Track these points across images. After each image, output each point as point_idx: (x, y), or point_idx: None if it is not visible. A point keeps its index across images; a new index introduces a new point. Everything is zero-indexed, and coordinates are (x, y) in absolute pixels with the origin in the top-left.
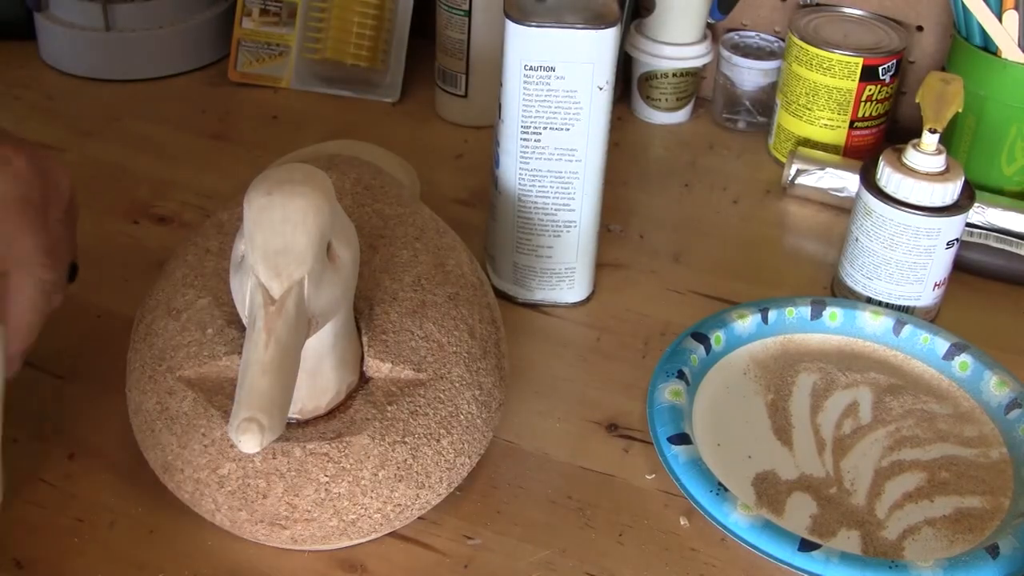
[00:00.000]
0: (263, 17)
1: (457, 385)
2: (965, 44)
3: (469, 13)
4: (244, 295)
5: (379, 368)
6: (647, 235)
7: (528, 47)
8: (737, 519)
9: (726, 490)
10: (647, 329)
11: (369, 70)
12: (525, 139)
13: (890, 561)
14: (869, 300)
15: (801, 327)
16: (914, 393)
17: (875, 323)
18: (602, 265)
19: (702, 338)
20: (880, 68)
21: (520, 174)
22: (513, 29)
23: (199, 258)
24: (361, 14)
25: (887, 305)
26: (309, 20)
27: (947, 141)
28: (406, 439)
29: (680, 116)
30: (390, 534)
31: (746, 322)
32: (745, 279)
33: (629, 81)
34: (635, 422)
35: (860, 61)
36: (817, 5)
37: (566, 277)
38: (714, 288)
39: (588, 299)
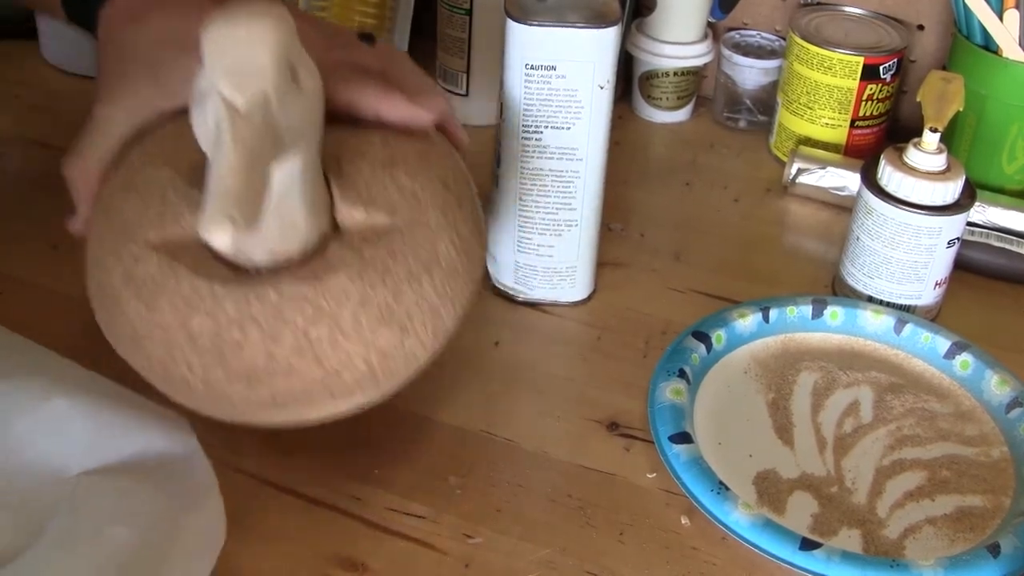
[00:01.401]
0: None
1: (435, 229)
2: (966, 43)
3: (470, 12)
4: (207, 120)
5: (352, 216)
6: (648, 234)
7: (529, 46)
8: (738, 518)
9: (727, 489)
10: (648, 328)
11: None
12: (526, 138)
13: (891, 560)
14: (870, 299)
15: (802, 326)
16: (915, 392)
17: (876, 322)
18: (603, 264)
19: (703, 337)
20: (881, 67)
21: (521, 173)
22: (514, 28)
23: (156, 141)
24: (361, 13)
25: (888, 304)
26: None
27: (948, 140)
28: (386, 280)
29: (681, 115)
30: (389, 532)
31: (747, 321)
32: (746, 278)
33: (630, 80)
34: (636, 421)
35: (861, 60)
36: (818, 4)
37: (567, 276)
38: (715, 287)
39: (589, 298)
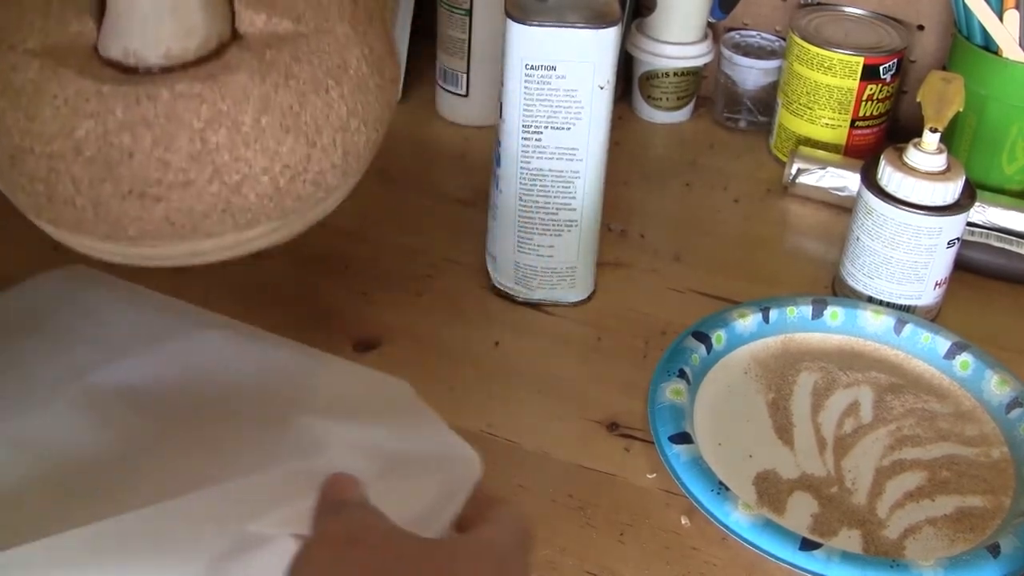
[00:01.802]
0: None
1: (343, 40)
2: (966, 43)
3: (470, 12)
4: None
5: (253, 21)
6: (648, 234)
7: (529, 46)
8: (738, 518)
9: (727, 489)
10: (648, 328)
11: None
12: (526, 138)
13: (891, 560)
14: (870, 299)
15: (802, 326)
16: (915, 392)
17: (876, 322)
18: (603, 264)
19: (703, 337)
20: (881, 67)
21: (521, 173)
22: (514, 28)
23: None
24: None
25: (888, 304)
26: None
27: (948, 140)
28: (289, 82)
29: (681, 115)
30: None
31: (747, 321)
32: (746, 278)
33: (630, 80)
34: (636, 421)
35: (861, 60)
36: (818, 4)
37: (567, 276)
38: (715, 287)
39: (589, 298)
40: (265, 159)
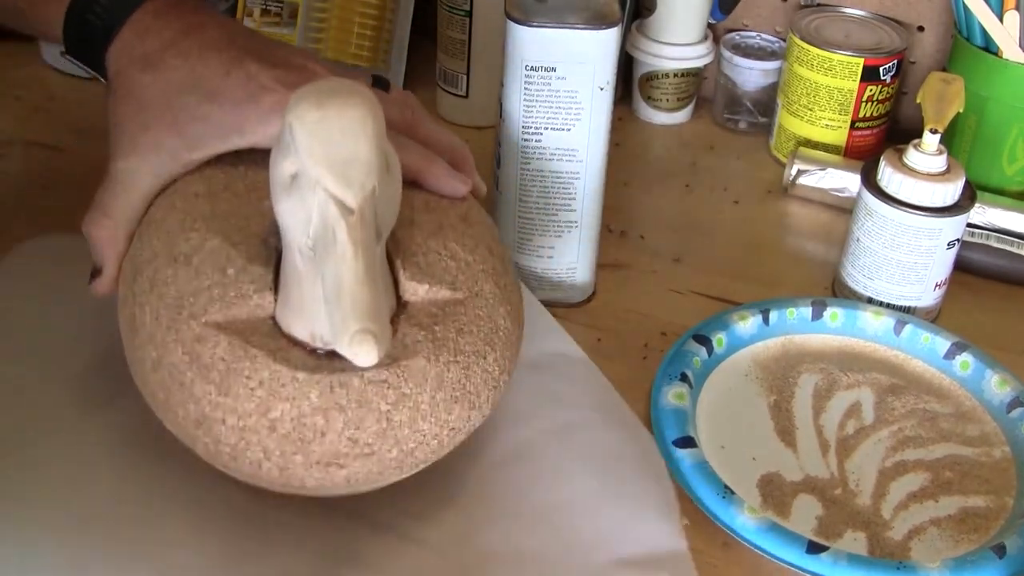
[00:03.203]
0: (264, 17)
1: (491, 301)
2: (966, 44)
3: (470, 13)
4: (305, 215)
5: (416, 291)
6: (648, 236)
7: (529, 47)
8: (744, 522)
9: (732, 493)
10: (648, 330)
11: (370, 70)
12: (526, 139)
13: (897, 562)
14: (870, 300)
15: (802, 328)
16: (916, 393)
17: (876, 323)
18: (603, 266)
19: (704, 340)
20: (881, 68)
21: (521, 174)
22: (514, 29)
23: (189, 203)
24: (362, 14)
25: (888, 305)
26: (310, 20)
27: (948, 141)
28: (458, 358)
29: (681, 116)
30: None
31: (747, 323)
32: (746, 279)
33: (630, 81)
34: None
35: (861, 61)
36: (818, 5)
37: (567, 278)
38: (715, 289)
39: (589, 300)
40: (437, 427)
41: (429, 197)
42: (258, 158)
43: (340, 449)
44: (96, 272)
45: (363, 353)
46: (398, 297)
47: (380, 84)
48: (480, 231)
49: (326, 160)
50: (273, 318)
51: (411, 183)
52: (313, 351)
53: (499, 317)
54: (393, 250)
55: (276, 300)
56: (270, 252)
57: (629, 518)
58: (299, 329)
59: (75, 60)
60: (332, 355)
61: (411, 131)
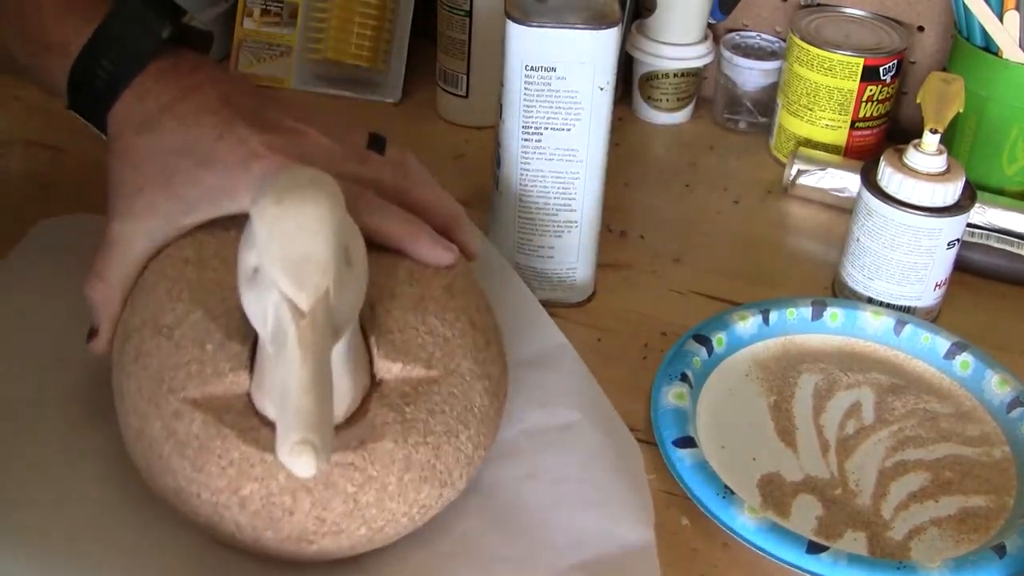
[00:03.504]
0: (264, 17)
1: (468, 378)
2: (966, 44)
3: (470, 13)
4: (263, 310)
5: (390, 369)
6: (648, 236)
7: (529, 47)
8: (744, 522)
9: (732, 493)
10: (648, 330)
11: (370, 70)
12: (526, 139)
13: (898, 562)
14: (870, 300)
15: (802, 328)
16: (916, 393)
17: (876, 323)
18: (603, 266)
19: (704, 340)
20: (881, 68)
21: (521, 174)
22: (514, 29)
23: (178, 270)
24: (362, 14)
25: (888, 305)
26: (310, 20)
27: (948, 141)
28: (427, 439)
29: (681, 116)
30: None
31: (747, 323)
32: (746, 279)
33: (630, 81)
34: (636, 422)
35: (861, 61)
36: (818, 5)
37: (567, 278)
38: (715, 289)
39: (589, 300)
40: (405, 506)
41: (413, 267)
42: None
43: (308, 527)
44: (93, 332)
45: (300, 464)
46: (372, 375)
47: (377, 144)
48: (464, 302)
49: (281, 259)
50: (248, 395)
51: (395, 252)
52: None
53: (475, 394)
54: (369, 326)
55: (251, 379)
56: (250, 327)
57: (601, 519)
58: (271, 409)
59: (77, 114)
60: None
61: (401, 196)
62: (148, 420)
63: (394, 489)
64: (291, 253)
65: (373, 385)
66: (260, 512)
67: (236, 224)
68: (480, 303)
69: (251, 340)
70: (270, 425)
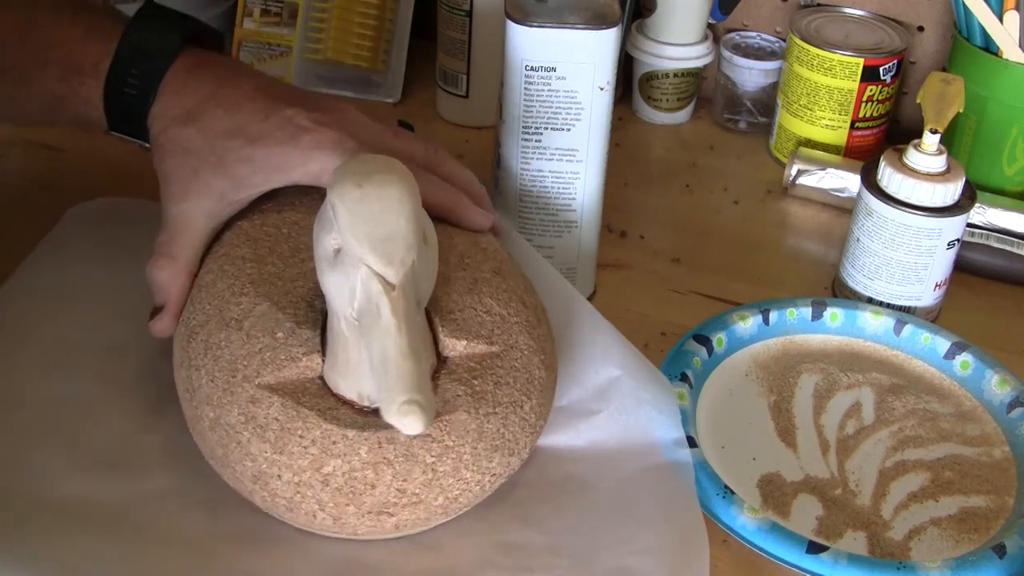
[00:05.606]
0: (264, 17)
1: (526, 353)
2: (966, 44)
3: (470, 13)
4: (349, 289)
5: (455, 347)
6: (648, 235)
7: (529, 47)
8: (744, 522)
9: (732, 493)
10: (648, 330)
11: (370, 71)
12: (526, 139)
13: (898, 562)
14: (870, 300)
15: (802, 328)
16: (916, 393)
17: (876, 323)
18: (603, 265)
19: (704, 340)
20: (881, 68)
21: (521, 174)
22: (514, 29)
23: (237, 267)
24: (362, 14)
25: (888, 305)
26: (310, 20)
27: (948, 141)
28: (496, 410)
29: (681, 116)
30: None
31: (747, 323)
32: (746, 279)
33: (630, 81)
34: None
35: (861, 61)
36: (818, 5)
37: (567, 277)
38: (715, 289)
39: (589, 299)
40: (479, 474)
41: (463, 254)
42: (300, 221)
43: (389, 499)
44: (156, 310)
45: (410, 423)
46: (438, 353)
47: (405, 126)
48: (513, 284)
49: (368, 238)
50: (321, 378)
51: (443, 240)
52: (360, 409)
53: (534, 367)
54: (432, 308)
55: (323, 361)
56: (316, 315)
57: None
58: (346, 388)
59: (119, 135)
60: (378, 412)
61: (435, 168)
62: (224, 409)
63: (469, 458)
64: (377, 232)
65: (440, 363)
66: (343, 488)
67: (287, 222)
68: (527, 284)
69: (319, 326)
70: (347, 404)
